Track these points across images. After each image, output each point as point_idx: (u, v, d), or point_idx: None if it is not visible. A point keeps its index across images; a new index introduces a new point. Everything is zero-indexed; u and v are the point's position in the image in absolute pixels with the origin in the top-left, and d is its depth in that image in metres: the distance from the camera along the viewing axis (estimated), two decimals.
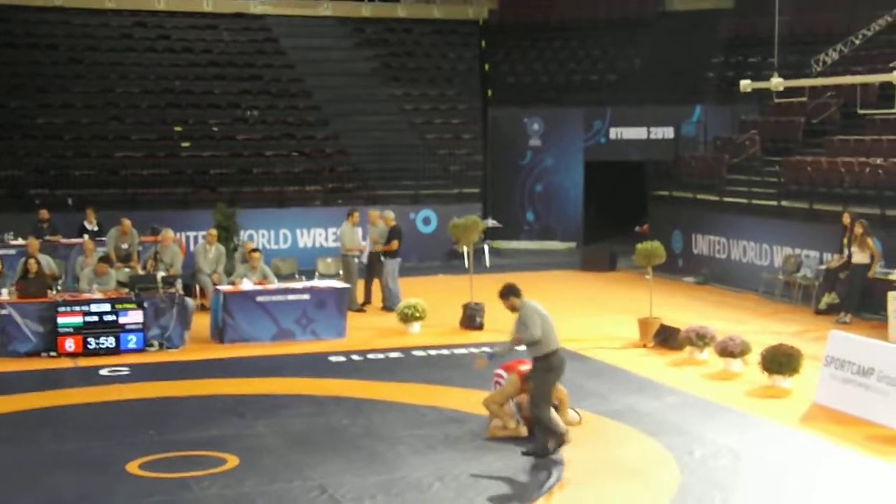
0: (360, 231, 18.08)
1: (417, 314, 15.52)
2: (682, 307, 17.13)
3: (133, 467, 9.37)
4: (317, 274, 17.96)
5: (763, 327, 15.58)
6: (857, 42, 22.48)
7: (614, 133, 25.91)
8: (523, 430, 10.14)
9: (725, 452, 9.83)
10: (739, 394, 11.98)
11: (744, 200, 20.06)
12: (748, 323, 15.95)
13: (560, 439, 9.64)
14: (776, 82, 18.66)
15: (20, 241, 17.72)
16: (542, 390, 9.66)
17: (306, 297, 15.12)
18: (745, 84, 19.33)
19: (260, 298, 14.92)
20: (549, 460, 9.55)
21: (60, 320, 13.81)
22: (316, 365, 13.44)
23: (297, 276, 17.81)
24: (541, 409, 9.62)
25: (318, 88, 26.28)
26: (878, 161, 17.83)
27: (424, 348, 14.39)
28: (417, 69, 27.78)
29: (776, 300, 18.05)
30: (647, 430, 10.50)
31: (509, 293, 9.84)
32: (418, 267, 21.31)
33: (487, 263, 22.61)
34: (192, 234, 20.94)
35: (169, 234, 17.13)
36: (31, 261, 14.79)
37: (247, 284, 15.17)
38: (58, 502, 8.59)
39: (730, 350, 12.91)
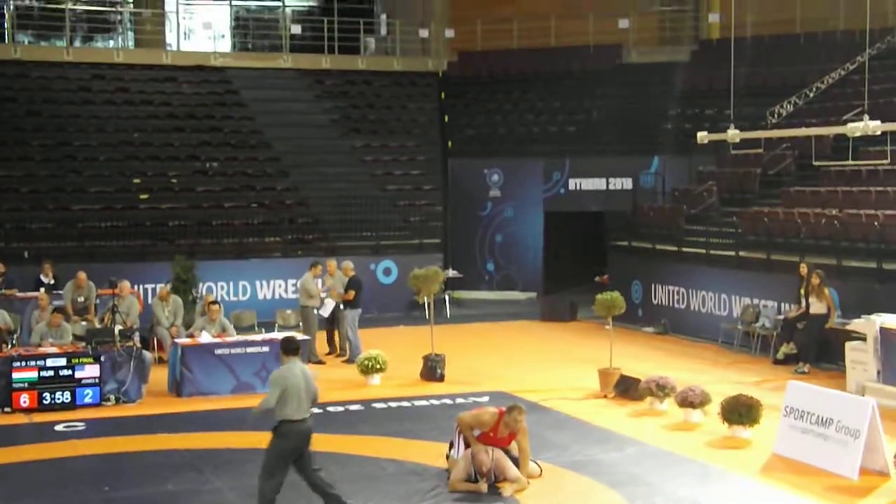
0: (320, 282, 18.02)
1: (378, 366, 15.44)
2: (643, 357, 17.20)
3: None
4: (276, 326, 17.84)
5: (722, 377, 15.66)
6: (811, 95, 22.96)
7: (573, 184, 26.11)
8: (483, 487, 10.07)
9: (686, 503, 9.81)
10: (700, 444, 12.01)
11: (702, 251, 20.25)
12: (708, 373, 16.03)
13: None
14: (732, 134, 18.97)
15: None
16: (268, 458, 9.06)
17: (266, 349, 14.99)
18: (702, 136, 19.64)
19: (218, 351, 14.79)
20: None
21: (15, 375, 13.59)
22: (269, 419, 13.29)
23: (256, 328, 17.69)
24: (261, 478, 9.04)
25: (278, 140, 26.31)
26: (834, 212, 18.10)
27: (385, 400, 14.30)
28: (378, 121, 27.92)
29: (735, 350, 18.18)
30: (608, 481, 10.48)
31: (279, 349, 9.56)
32: (379, 318, 21.25)
33: (448, 314, 22.61)
34: (150, 286, 20.72)
35: (126, 285, 16.98)
36: None
37: (206, 337, 15.04)
38: None
39: (690, 401, 12.95)
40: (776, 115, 22.36)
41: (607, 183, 25.66)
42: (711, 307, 19.54)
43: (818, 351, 16.31)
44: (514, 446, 10.50)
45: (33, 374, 13.67)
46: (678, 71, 27.62)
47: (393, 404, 14.08)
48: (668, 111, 26.86)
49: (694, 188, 22.65)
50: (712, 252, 19.98)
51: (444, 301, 22.78)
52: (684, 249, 20.77)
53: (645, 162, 25.41)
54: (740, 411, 12.08)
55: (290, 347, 9.26)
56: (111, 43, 29.74)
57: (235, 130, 26.27)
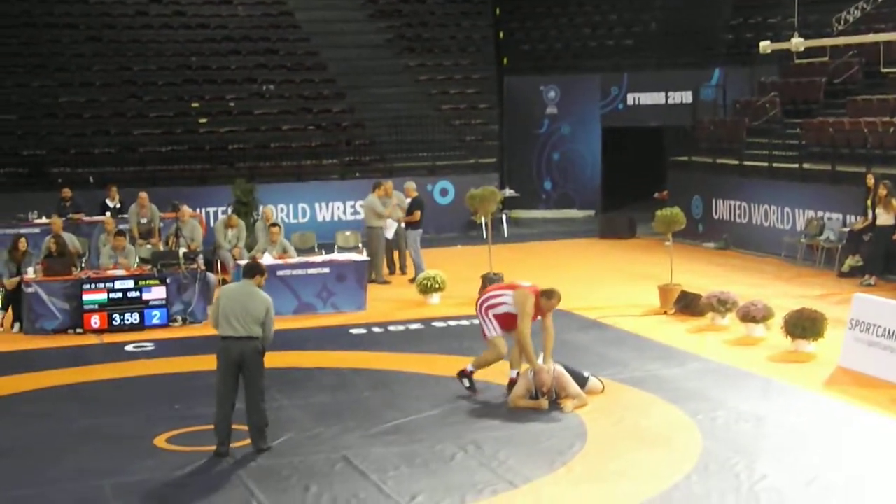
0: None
1: (437, 285, 15.55)
2: (703, 273, 17.10)
3: (161, 441, 9.49)
4: (336, 247, 18.01)
5: (785, 291, 15.53)
6: None
7: (632, 98, 25.76)
8: (545, 404, 10.16)
9: (748, 418, 9.84)
10: (762, 359, 11.98)
11: (764, 164, 19.95)
12: (770, 287, 15.90)
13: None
14: (796, 42, 18.44)
15: (44, 220, 17.84)
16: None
17: (326, 270, 15.17)
18: (765, 45, 19.13)
19: (280, 273, 14.98)
20: (571, 428, 9.58)
21: (86, 297, 13.94)
22: (337, 337, 13.51)
23: (316, 249, 17.86)
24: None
25: (333, 61, 26.24)
26: None
27: (444, 319, 14.42)
28: (432, 39, 27.67)
29: (799, 264, 17.99)
30: (669, 397, 10.51)
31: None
32: (436, 238, 21.31)
33: (506, 233, 22.62)
34: (211, 209, 21.03)
35: (186, 209, 17.20)
36: (56, 239, 14.89)
37: (267, 258, 15.22)
38: (87, 475, 8.69)
39: (752, 315, 12.89)
40: (842, 22, 21.70)
41: (666, 97, 25.26)
42: (774, 221, 19.31)
43: (885, 263, 16.10)
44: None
45: (103, 296, 14.00)
46: None
47: (452, 323, 14.20)
48: (730, 21, 26.22)
49: (756, 100, 22.22)
50: (775, 165, 19.68)
51: (502, 220, 22.77)
52: (746, 163, 20.49)
53: (705, 74, 24.94)
54: (804, 325, 12.00)
55: (245, 270, 9.39)
56: None
57: (291, 52, 26.23)
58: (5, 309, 14.41)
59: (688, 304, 14.26)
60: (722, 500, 7.92)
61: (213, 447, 9.14)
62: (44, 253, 14.86)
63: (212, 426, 9.18)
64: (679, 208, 15.34)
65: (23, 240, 14.79)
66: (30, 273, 14.17)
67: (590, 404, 10.25)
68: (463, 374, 10.82)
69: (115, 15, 26.12)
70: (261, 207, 19.67)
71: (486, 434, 9.48)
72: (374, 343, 13.22)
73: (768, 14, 25.12)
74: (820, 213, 18.05)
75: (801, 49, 18.70)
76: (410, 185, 17.90)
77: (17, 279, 14.18)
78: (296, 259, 15.57)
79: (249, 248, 16.82)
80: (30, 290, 13.95)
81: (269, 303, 9.19)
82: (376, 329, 13.84)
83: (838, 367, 11.43)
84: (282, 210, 21.92)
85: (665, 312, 14.46)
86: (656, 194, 22.78)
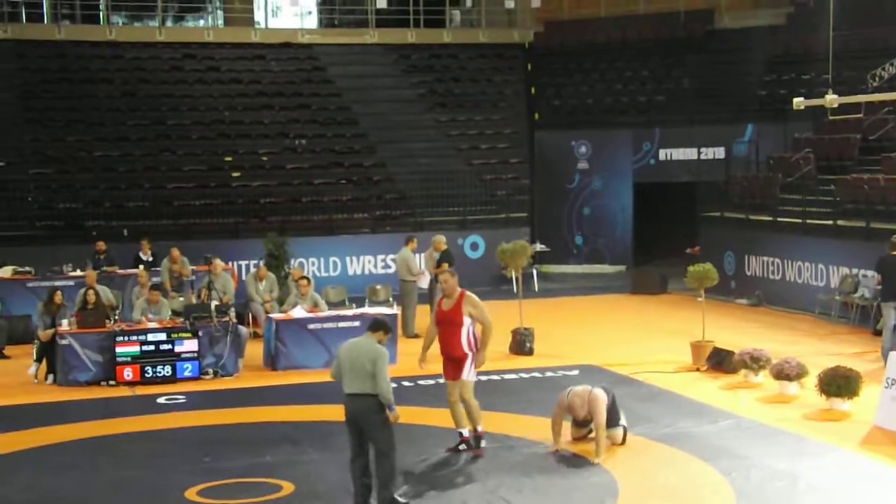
0: (418, 257, 18.16)
1: None
2: (736, 329, 16.96)
3: (192, 494, 9.47)
4: (367, 301, 18.04)
5: (820, 349, 15.37)
6: None
7: (664, 154, 25.78)
8: (559, 443, 10.51)
9: (783, 476, 9.70)
10: (796, 417, 11.83)
11: (798, 220, 19.83)
12: (804, 345, 15.74)
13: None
14: (831, 99, 18.35)
15: (78, 273, 18.02)
16: None
17: (357, 323, 15.15)
18: (799, 102, 19.05)
19: (311, 326, 15.02)
20: (602, 485, 9.48)
21: (119, 350, 14.02)
22: None
23: (347, 303, 17.90)
24: None
25: (364, 116, 26.49)
26: None
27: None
28: (463, 94, 27.89)
29: (833, 321, 17.82)
30: (701, 454, 10.39)
31: None
32: None
33: (536, 288, 22.58)
34: (243, 262, 21.14)
35: (219, 262, 17.33)
36: (90, 292, 15.02)
37: (299, 312, 15.27)
38: None
39: (786, 373, 12.75)
40: (877, 78, 21.65)
41: (698, 152, 25.22)
42: (808, 278, 19.16)
43: None
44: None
45: (136, 349, 14.08)
46: (773, 35, 26.93)
47: (482, 378, 14.04)
48: (763, 77, 26.26)
49: (789, 156, 22.16)
50: (809, 221, 19.56)
51: (532, 275, 22.74)
52: (779, 219, 20.38)
53: (738, 130, 24.93)
54: (839, 383, 11.84)
55: (371, 324, 9.20)
56: (201, 22, 30.21)
57: (323, 107, 26.52)
58: (39, 361, 14.51)
59: (720, 361, 14.14)
60: None
61: (243, 501, 9.14)
62: (78, 305, 14.98)
63: (242, 479, 9.20)
64: (711, 264, 15.26)
65: (59, 293, 14.94)
66: (64, 325, 14.29)
67: (621, 462, 10.15)
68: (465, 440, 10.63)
69: (149, 69, 26.56)
70: (292, 261, 19.79)
71: (517, 489, 9.40)
72: (404, 398, 13.14)
73: (802, 70, 25.11)
74: (854, 270, 17.90)
75: (836, 105, 18.59)
76: (440, 238, 17.96)
77: (51, 331, 14.30)
78: (326, 312, 15.61)
79: (281, 301, 16.89)
80: (64, 342, 14.06)
81: (378, 354, 8.84)
82: (406, 383, 13.79)
83: (874, 427, 11.27)
84: (313, 263, 22.02)
85: (697, 369, 14.34)
86: (688, 250, 22.69)
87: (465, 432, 10.59)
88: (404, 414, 11.07)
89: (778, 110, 24.05)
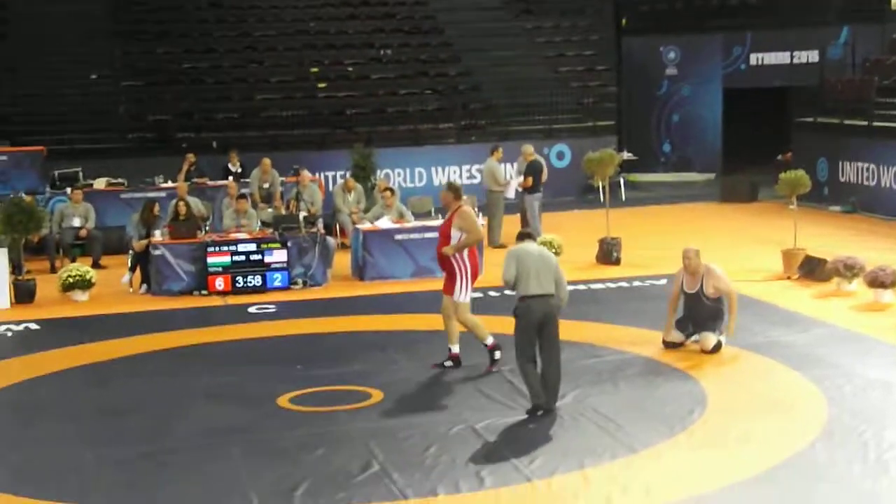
0: (504, 167, 18.07)
1: (554, 249, 15.42)
2: (829, 237, 16.61)
3: (283, 401, 9.69)
4: None
5: None
6: None
7: (755, 58, 25.09)
8: (674, 335, 10.77)
9: (876, 385, 9.56)
10: (891, 326, 11.60)
11: (895, 125, 19.21)
12: None
13: (532, 405, 9.06)
14: None
15: (170, 184, 18.35)
16: (515, 337, 9.28)
17: None
18: None
19: (398, 237, 15.11)
20: (691, 394, 9.46)
21: (210, 260, 14.30)
22: None
23: (433, 213, 17.95)
24: (517, 359, 9.24)
25: (450, 24, 26.20)
26: None
27: None
28: (549, 1, 27.35)
29: None
30: (793, 363, 10.28)
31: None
32: (553, 202, 21.11)
33: (623, 197, 22.34)
34: (330, 173, 21.30)
35: (306, 173, 17.46)
36: (181, 203, 15.31)
37: (385, 222, 15.35)
38: (212, 433, 8.96)
39: (880, 280, 12.47)
40: None
41: (791, 56, 24.50)
42: None
43: None
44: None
45: (226, 259, 14.35)
46: None
47: (569, 287, 14.04)
48: None
49: (886, 58, 21.39)
50: None
51: (620, 184, 22.48)
52: (875, 124, 19.76)
53: (833, 32, 24.09)
54: None
55: (520, 235, 9.66)
56: None
57: (408, 16, 26.30)
58: (133, 270, 14.88)
59: (812, 269, 13.88)
60: (848, 469, 7.73)
61: (335, 407, 9.39)
62: (170, 216, 15.29)
63: (332, 387, 9.37)
64: (804, 171, 14.90)
65: (156, 204, 15.29)
66: (157, 236, 14.61)
67: (710, 371, 10.10)
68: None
69: None
70: (378, 172, 19.86)
71: (604, 399, 9.43)
72: (490, 307, 13.19)
73: None
74: None
75: None
76: (528, 148, 17.80)
77: (146, 241, 14.64)
78: (412, 223, 15.68)
79: (367, 211, 17.01)
80: (157, 252, 14.39)
81: (556, 260, 9.44)
82: (493, 293, 13.83)
83: None
84: (399, 174, 22.07)
85: (788, 277, 14.11)
86: (780, 157, 22.17)
87: (455, 348, 10.48)
88: (493, 323, 11.21)
89: (875, 10, 23.13)
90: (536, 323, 9.13)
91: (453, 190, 10.67)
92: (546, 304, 9.15)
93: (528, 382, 9.16)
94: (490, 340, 10.40)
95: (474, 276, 10.48)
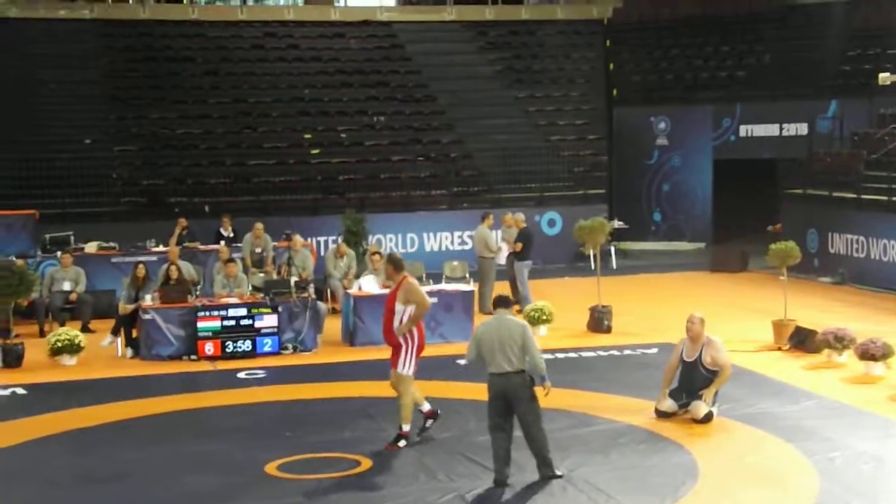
0: (495, 234, 18.15)
1: (544, 317, 15.48)
2: (819, 308, 16.64)
3: (271, 468, 9.60)
4: (444, 277, 18.07)
5: None
6: None
7: (744, 130, 25.37)
8: (665, 405, 10.75)
9: (868, 459, 9.52)
10: (882, 398, 11.58)
11: (884, 197, 19.37)
12: (889, 324, 15.35)
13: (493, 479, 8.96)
14: None
15: (161, 248, 18.35)
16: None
17: (434, 300, 15.12)
18: (884, 77, 18.68)
19: None
20: (682, 465, 9.40)
21: (200, 325, 14.26)
22: (444, 367, 13.49)
23: (424, 279, 17.95)
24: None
25: (443, 93, 26.49)
26: None
27: (552, 351, 14.24)
28: (541, 71, 27.71)
29: None
30: (784, 435, 10.24)
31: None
32: (544, 269, 21.20)
33: (614, 265, 22.40)
34: (321, 238, 21.34)
35: (298, 238, 17.50)
36: (173, 267, 15.30)
37: (373, 286, 15.29)
38: (199, 500, 8.85)
39: (871, 353, 12.48)
40: None
41: (780, 129, 24.79)
42: (893, 256, 18.71)
43: None
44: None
45: (217, 324, 14.30)
46: (854, 8, 26.25)
47: (560, 355, 14.09)
48: (845, 52, 25.63)
49: (874, 132, 21.63)
50: (894, 198, 19.07)
51: (610, 252, 22.56)
52: (864, 196, 19.91)
53: (821, 106, 24.38)
54: None
55: (496, 300, 9.48)
56: (282, 1, 30.46)
57: (401, 85, 26.59)
58: (115, 333, 14.79)
59: (803, 341, 13.89)
60: None
61: (325, 475, 9.29)
62: (161, 280, 15.27)
63: (321, 454, 9.29)
64: (794, 242, 14.98)
65: (141, 265, 15.27)
66: (147, 300, 14.58)
67: (702, 442, 10.05)
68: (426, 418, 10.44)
69: (231, 48, 26.88)
70: (370, 237, 19.91)
71: (595, 469, 9.36)
72: (481, 374, 13.16)
73: (886, 45, 24.49)
74: None
75: None
76: (519, 216, 17.89)
77: (133, 305, 14.59)
78: None
79: (359, 277, 17.01)
80: (147, 316, 14.35)
81: (524, 327, 9.06)
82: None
83: None
84: (391, 240, 22.14)
85: (779, 348, 14.12)
86: (770, 227, 22.30)
87: (426, 406, 10.37)
88: (482, 391, 11.12)
89: (862, 85, 23.48)
90: (499, 398, 9.07)
91: (393, 262, 10.36)
92: (506, 383, 8.98)
93: (493, 451, 9.11)
94: (405, 427, 10.19)
95: (420, 349, 10.27)
